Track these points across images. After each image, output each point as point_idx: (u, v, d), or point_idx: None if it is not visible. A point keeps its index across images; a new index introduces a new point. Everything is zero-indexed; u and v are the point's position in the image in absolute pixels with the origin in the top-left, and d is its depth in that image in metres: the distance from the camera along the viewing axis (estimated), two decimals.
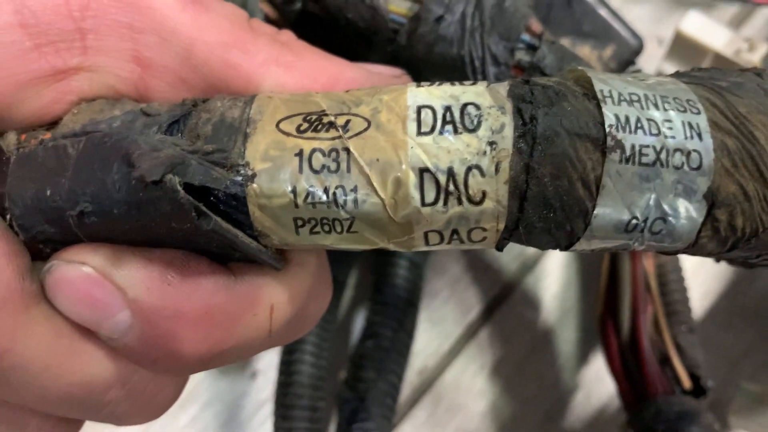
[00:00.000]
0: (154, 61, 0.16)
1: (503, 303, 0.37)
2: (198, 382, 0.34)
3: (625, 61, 0.28)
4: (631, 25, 0.28)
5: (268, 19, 0.27)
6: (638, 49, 0.28)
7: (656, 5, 0.40)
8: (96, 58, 0.16)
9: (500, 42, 0.21)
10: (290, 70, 0.17)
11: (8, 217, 0.15)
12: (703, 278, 0.36)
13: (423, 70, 0.23)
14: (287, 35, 0.18)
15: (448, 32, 0.22)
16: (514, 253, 0.37)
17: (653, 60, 0.35)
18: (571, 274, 0.36)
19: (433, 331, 0.36)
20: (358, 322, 0.34)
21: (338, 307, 0.32)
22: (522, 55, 0.22)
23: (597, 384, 0.35)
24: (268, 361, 0.35)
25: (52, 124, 0.16)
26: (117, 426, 0.18)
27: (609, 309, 0.28)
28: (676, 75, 0.16)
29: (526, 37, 0.22)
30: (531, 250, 0.36)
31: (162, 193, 0.13)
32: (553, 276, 0.36)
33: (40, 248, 0.15)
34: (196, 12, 0.16)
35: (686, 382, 0.27)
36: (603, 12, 0.28)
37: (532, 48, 0.22)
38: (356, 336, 0.33)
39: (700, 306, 0.36)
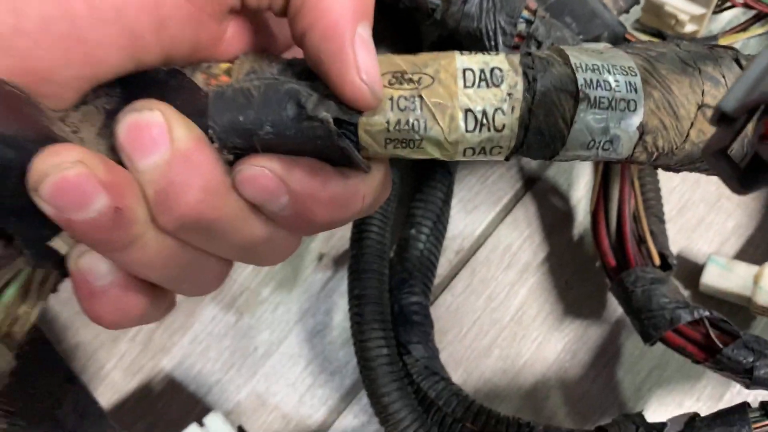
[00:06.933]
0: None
1: (527, 192, 0.50)
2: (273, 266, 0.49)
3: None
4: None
5: None
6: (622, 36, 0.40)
7: None
8: None
9: (507, 18, 0.34)
10: None
11: (209, 132, 0.25)
12: None
13: (453, 38, 0.35)
14: None
15: (471, 11, 0.34)
16: None
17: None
18: (580, 169, 0.50)
19: (468, 218, 0.49)
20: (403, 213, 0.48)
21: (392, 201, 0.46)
22: (522, 27, 0.34)
23: None
24: (332, 245, 0.49)
25: (221, 64, 0.27)
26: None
27: (601, 202, 0.42)
28: (624, 46, 0.29)
29: (525, 14, 0.34)
30: None
31: (319, 124, 0.25)
32: (566, 170, 0.50)
33: (223, 153, 0.26)
34: None
35: (656, 259, 0.40)
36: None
37: (529, 22, 0.34)
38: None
39: (693, 189, 0.49)
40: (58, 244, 0.25)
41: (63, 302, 0.48)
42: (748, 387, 0.36)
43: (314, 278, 0.49)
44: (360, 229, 0.41)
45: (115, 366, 0.47)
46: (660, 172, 0.45)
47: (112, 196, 0.23)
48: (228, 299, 0.49)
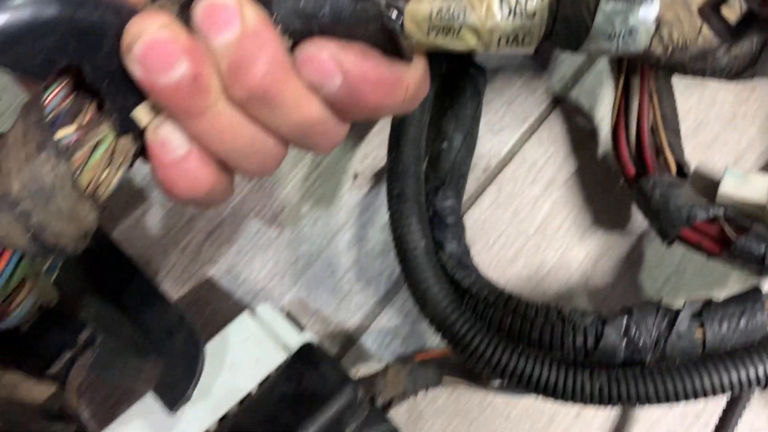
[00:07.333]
0: None
1: (551, 113, 0.53)
2: (312, 182, 0.52)
3: None
4: None
5: None
6: None
7: None
8: None
9: None
10: None
11: (274, 15, 0.27)
12: (714, 86, 0.51)
13: None
14: None
15: None
16: (558, 76, 0.52)
17: None
18: (603, 90, 0.52)
19: (494, 138, 0.52)
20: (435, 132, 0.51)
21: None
22: None
23: None
24: (367, 164, 0.52)
25: None
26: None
27: (622, 116, 0.44)
28: None
29: None
30: (572, 72, 0.52)
31: (372, 5, 0.28)
32: (589, 92, 0.52)
33: (285, 36, 0.28)
34: None
35: (673, 168, 0.43)
36: None
37: None
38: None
39: (708, 109, 0.52)
40: (140, 114, 0.28)
41: (116, 218, 0.52)
42: (760, 274, 0.38)
43: (350, 195, 0.52)
44: (397, 135, 0.43)
45: (166, 275, 0.51)
46: (677, 92, 0.47)
47: (192, 62, 0.26)
48: (270, 215, 0.52)
